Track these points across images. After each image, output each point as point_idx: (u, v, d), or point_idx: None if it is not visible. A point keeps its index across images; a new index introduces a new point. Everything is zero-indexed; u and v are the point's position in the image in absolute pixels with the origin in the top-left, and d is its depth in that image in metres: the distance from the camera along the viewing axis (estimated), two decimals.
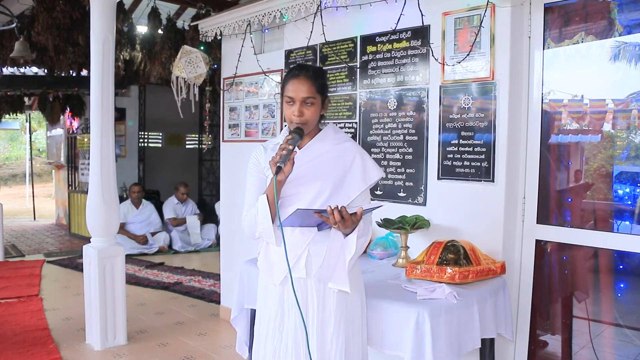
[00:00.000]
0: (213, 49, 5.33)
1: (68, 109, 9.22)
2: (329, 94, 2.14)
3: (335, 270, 1.97)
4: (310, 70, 2.04)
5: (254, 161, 2.11)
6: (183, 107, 4.45)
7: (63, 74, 7.34)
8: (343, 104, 3.52)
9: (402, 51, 3.18)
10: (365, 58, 3.38)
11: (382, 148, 3.30)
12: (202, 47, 4.59)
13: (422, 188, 3.09)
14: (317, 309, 1.99)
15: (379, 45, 3.30)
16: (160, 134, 10.20)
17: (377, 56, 3.31)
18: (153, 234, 7.67)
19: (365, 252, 3.10)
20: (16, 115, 10.91)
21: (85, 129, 8.77)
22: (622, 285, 2.97)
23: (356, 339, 2.08)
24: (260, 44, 4.16)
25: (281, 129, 3.74)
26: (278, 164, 1.85)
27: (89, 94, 3.97)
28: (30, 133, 14.25)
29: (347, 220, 1.86)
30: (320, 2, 3.42)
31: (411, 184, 3.15)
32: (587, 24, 2.71)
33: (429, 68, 3.04)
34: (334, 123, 3.53)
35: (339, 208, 1.85)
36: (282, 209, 1.96)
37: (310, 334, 1.97)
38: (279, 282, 2.00)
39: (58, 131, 10.91)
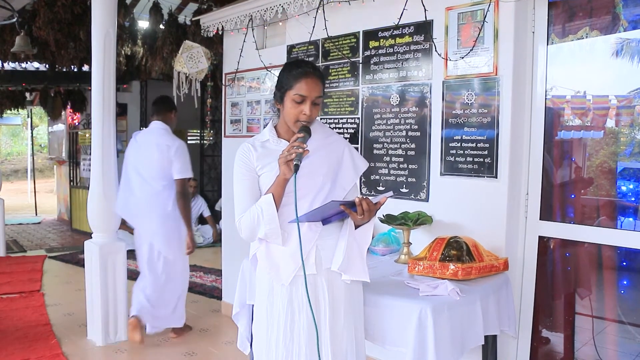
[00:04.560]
0: (215, 44, 5.32)
1: (69, 104, 9.21)
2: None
3: (356, 262, 1.99)
4: (318, 69, 2.04)
5: (244, 160, 2.05)
6: (184, 102, 4.44)
7: (64, 69, 7.34)
8: (345, 100, 3.50)
9: (404, 46, 3.16)
10: (367, 53, 3.36)
11: (385, 144, 3.28)
12: None
13: (425, 184, 3.08)
14: (328, 303, 1.99)
15: (381, 40, 3.28)
16: None
17: (380, 51, 3.29)
18: None
19: None
20: (18, 110, 10.92)
21: (87, 124, 8.76)
22: (625, 282, 2.96)
23: (361, 327, 2.11)
24: (262, 39, 4.15)
25: None
26: (295, 162, 1.82)
27: (90, 89, 3.97)
28: (32, 128, 14.24)
29: (372, 211, 1.89)
30: None
31: (414, 179, 3.14)
32: (591, 19, 2.69)
33: (432, 63, 3.02)
34: (336, 119, 3.55)
35: (364, 199, 1.87)
36: (285, 206, 1.96)
37: (323, 328, 1.97)
38: (288, 282, 1.98)
39: (59, 126, 10.90)
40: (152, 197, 3.77)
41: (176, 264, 3.87)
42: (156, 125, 3.89)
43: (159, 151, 3.75)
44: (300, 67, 2.00)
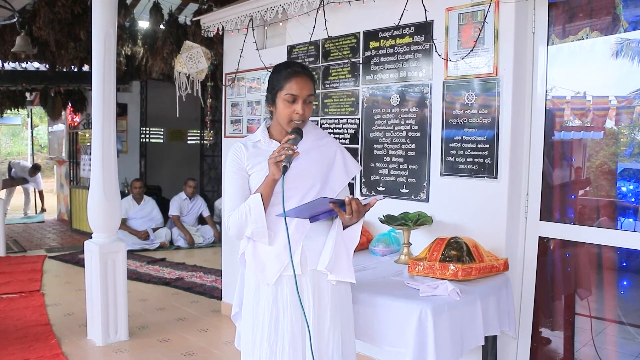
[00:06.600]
0: (215, 44, 5.32)
1: (69, 104, 9.21)
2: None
3: (342, 262, 1.99)
4: (307, 68, 2.06)
5: (236, 159, 2.06)
6: (184, 103, 4.43)
7: (64, 69, 7.34)
8: (345, 100, 3.50)
9: (405, 47, 3.16)
10: (368, 54, 3.36)
11: (385, 144, 3.28)
12: None
13: (425, 184, 3.08)
14: (313, 304, 1.99)
15: (382, 40, 3.29)
16: (162, 129, 10.18)
17: (380, 52, 3.29)
18: (154, 229, 7.66)
19: (367, 248, 3.09)
20: (18, 110, 10.93)
21: (87, 124, 8.76)
22: (625, 283, 2.96)
23: (349, 329, 2.11)
24: (263, 39, 4.15)
25: None
26: (284, 164, 1.83)
27: (90, 90, 3.96)
28: (32, 128, 14.25)
29: (361, 212, 1.90)
30: None
31: (414, 180, 3.14)
32: (592, 19, 2.69)
33: (432, 64, 3.02)
34: (336, 119, 3.55)
35: (354, 199, 1.87)
36: (274, 205, 1.96)
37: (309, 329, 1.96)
38: (273, 281, 1.99)
39: (59, 126, 10.91)
40: None
41: None
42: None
43: None
44: (289, 67, 2.02)
